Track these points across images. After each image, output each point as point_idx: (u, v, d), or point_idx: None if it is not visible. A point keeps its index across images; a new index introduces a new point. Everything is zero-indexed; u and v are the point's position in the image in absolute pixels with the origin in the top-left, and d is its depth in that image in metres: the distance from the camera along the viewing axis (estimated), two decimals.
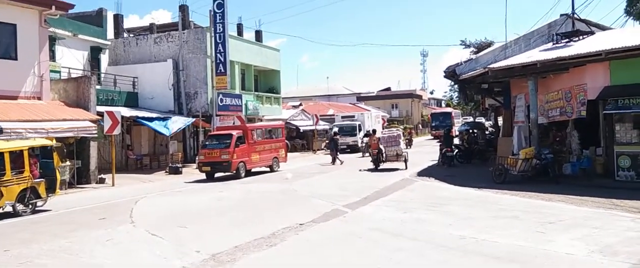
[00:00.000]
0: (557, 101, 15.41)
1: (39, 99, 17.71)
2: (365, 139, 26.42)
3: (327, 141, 31.38)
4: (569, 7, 18.25)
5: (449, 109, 59.33)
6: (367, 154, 24.84)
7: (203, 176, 19.79)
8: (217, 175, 19.61)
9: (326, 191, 14.46)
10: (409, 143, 34.99)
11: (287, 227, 9.21)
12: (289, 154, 32.69)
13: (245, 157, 20.07)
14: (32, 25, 17.53)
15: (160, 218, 11.04)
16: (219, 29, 26.48)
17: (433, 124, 52.61)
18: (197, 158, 21.70)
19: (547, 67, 14.99)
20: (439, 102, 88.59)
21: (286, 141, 25.73)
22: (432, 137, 51.21)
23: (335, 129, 30.88)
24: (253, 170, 21.02)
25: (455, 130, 37.97)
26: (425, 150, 31.28)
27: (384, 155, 20.45)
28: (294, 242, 8.22)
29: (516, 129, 18.20)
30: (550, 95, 15.87)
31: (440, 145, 22.49)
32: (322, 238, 8.46)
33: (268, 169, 21.75)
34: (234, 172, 19.24)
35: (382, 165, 20.46)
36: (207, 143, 20.69)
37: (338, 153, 25.29)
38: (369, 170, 20.40)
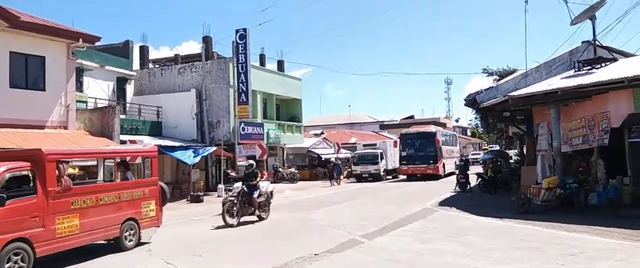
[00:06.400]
0: (580, 129, 15.11)
1: (65, 128, 18.16)
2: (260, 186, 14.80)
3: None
4: (591, 34, 17.94)
5: (431, 128, 36.27)
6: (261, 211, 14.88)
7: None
8: None
9: (345, 221, 14.32)
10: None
11: (301, 257, 9.14)
12: (309, 182, 32.78)
13: (35, 226, 8.61)
14: (60, 57, 18.09)
15: (177, 246, 11.07)
16: (242, 60, 27.06)
17: (403, 153, 33.70)
18: None
19: (568, 94, 14.75)
20: (464, 130, 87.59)
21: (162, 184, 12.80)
22: (404, 176, 33.95)
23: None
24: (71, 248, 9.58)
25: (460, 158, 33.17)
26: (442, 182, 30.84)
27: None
28: None
29: (540, 157, 17.89)
30: (573, 123, 15.57)
31: (456, 172, 23.39)
32: None
33: (112, 241, 10.61)
34: None
35: None
36: None
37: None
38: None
